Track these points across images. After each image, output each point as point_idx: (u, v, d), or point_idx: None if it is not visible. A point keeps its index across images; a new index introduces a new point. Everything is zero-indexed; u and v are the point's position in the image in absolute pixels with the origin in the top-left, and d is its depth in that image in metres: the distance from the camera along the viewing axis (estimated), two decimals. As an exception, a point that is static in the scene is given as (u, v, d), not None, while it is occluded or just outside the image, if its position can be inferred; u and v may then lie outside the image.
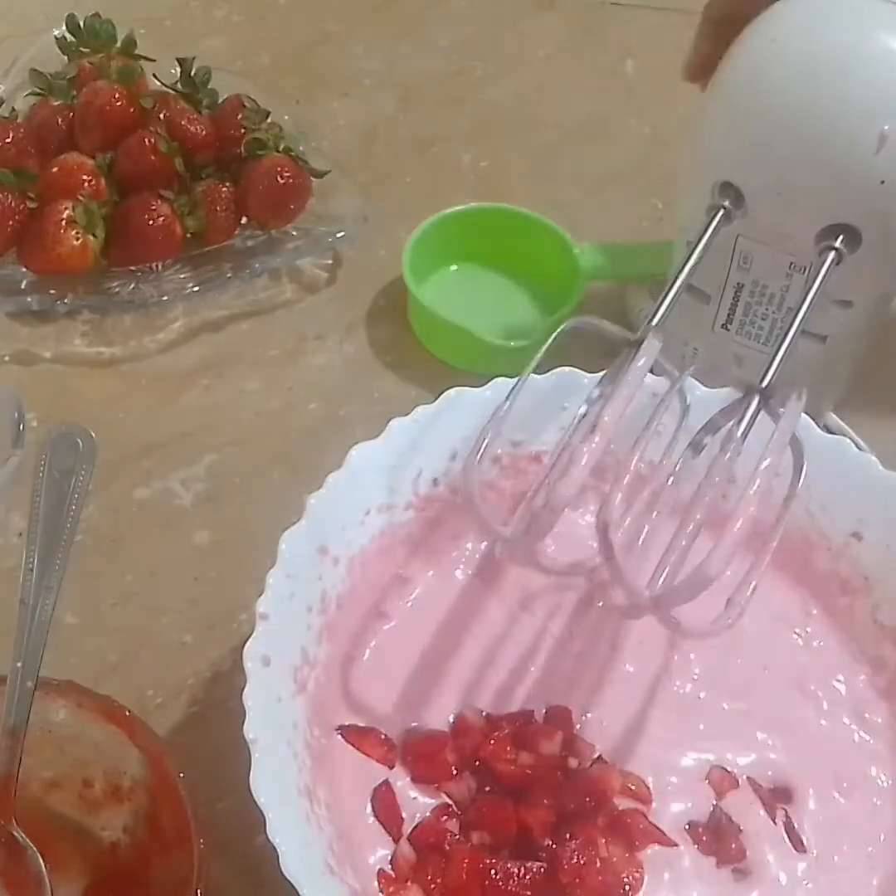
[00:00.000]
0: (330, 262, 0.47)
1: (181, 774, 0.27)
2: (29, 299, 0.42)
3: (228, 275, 0.44)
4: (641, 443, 0.27)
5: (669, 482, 0.29)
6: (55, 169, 0.44)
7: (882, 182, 0.31)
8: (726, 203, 0.32)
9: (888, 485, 0.32)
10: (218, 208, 0.44)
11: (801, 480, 0.28)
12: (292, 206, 0.45)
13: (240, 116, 0.46)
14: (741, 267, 0.35)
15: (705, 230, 0.32)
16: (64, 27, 0.48)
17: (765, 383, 0.28)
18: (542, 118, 0.55)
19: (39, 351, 0.44)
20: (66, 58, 0.48)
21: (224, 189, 0.45)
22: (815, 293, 0.30)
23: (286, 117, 0.48)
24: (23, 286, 0.43)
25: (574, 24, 0.60)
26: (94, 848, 0.29)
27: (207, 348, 0.44)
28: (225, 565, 0.37)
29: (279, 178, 0.44)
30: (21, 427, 0.35)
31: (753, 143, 0.32)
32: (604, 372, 0.30)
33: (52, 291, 0.42)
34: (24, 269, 0.43)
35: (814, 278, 0.30)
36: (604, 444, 0.25)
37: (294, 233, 0.46)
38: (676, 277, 0.30)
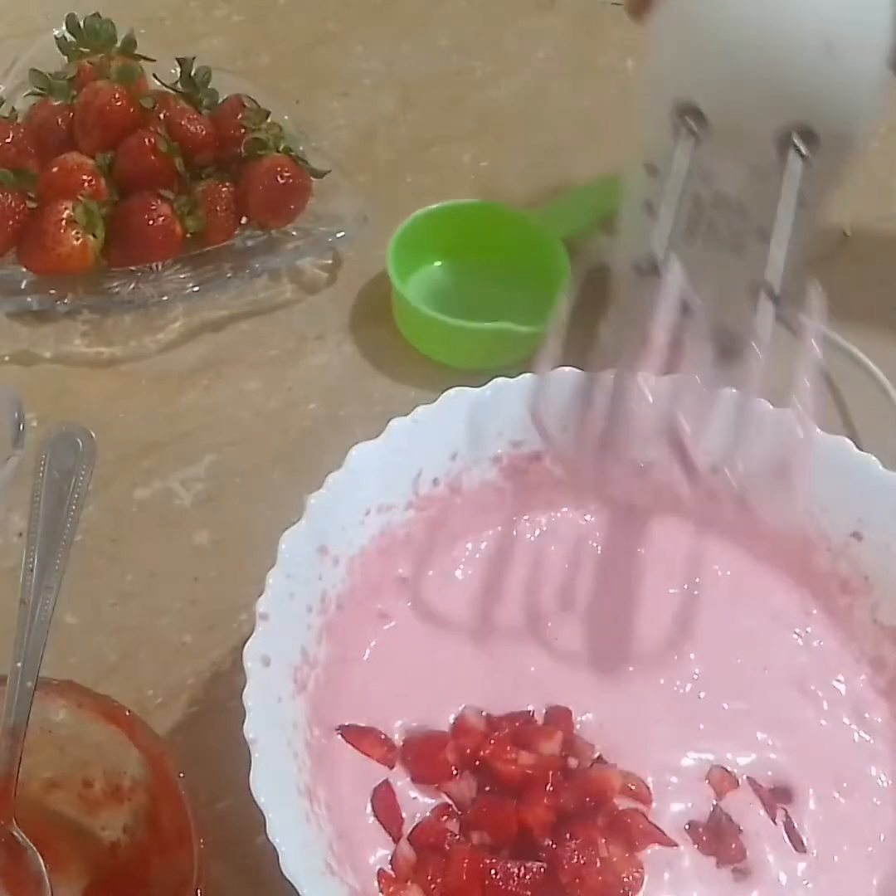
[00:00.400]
0: (330, 262, 0.47)
1: (181, 774, 0.27)
2: (29, 299, 0.42)
3: (228, 275, 0.44)
4: (679, 359, 0.28)
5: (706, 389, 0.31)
6: (55, 169, 0.44)
7: (832, 84, 0.32)
8: (689, 122, 0.33)
9: (888, 485, 0.32)
10: (218, 208, 0.44)
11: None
12: (292, 206, 0.45)
13: (240, 116, 0.46)
14: (701, 179, 0.36)
15: (676, 155, 0.33)
16: (64, 27, 0.48)
17: (775, 289, 0.29)
18: (542, 118, 0.55)
19: (39, 351, 0.44)
20: (66, 58, 0.48)
21: (224, 189, 0.45)
22: (791, 193, 0.32)
23: (286, 117, 0.48)
24: (23, 286, 0.42)
25: (574, 24, 0.60)
26: (94, 848, 0.29)
27: (207, 348, 0.44)
28: (225, 565, 0.37)
29: (279, 178, 0.44)
30: (21, 427, 0.35)
31: (707, 60, 0.33)
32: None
33: (52, 291, 0.42)
34: (24, 269, 0.43)
35: (785, 181, 0.32)
36: (659, 362, 0.27)
37: (294, 233, 0.46)
38: (664, 201, 0.32)
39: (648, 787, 0.30)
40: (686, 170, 0.33)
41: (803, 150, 0.33)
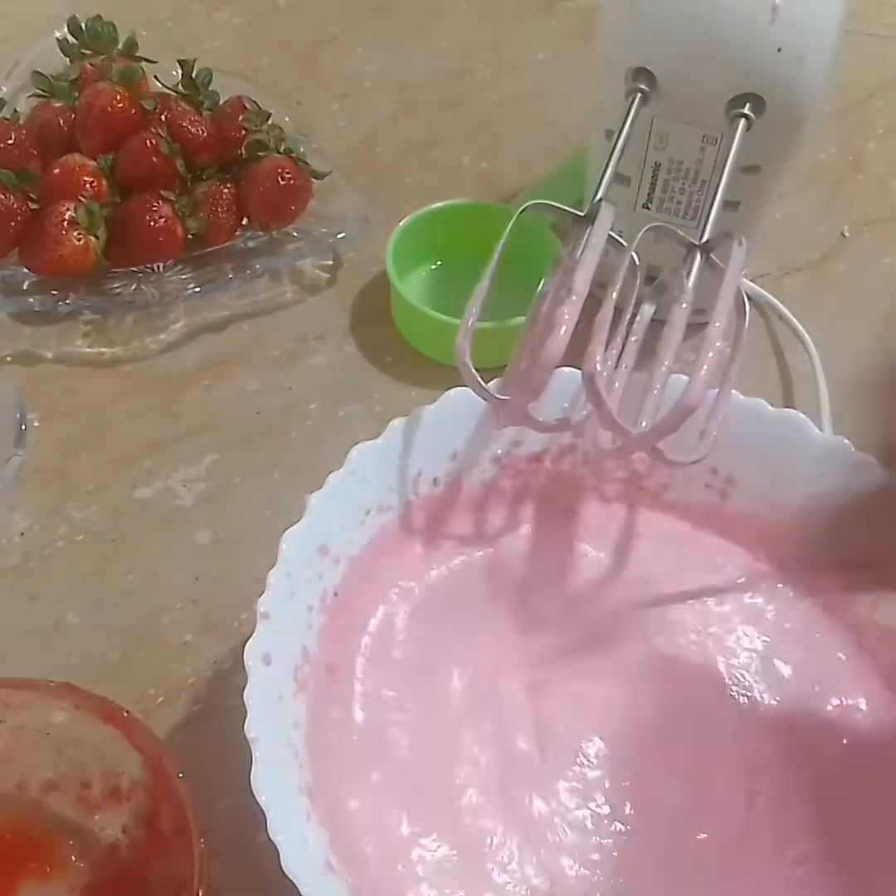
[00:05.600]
0: (330, 263, 0.48)
1: (180, 774, 0.27)
2: (31, 300, 0.43)
3: (229, 276, 0.44)
4: (607, 302, 0.29)
5: (633, 338, 0.32)
6: (57, 170, 0.44)
7: (779, 50, 0.33)
8: (642, 86, 0.35)
9: (887, 485, 0.32)
10: (219, 209, 0.45)
11: (747, 319, 0.31)
12: (293, 208, 0.45)
13: (241, 118, 0.46)
14: (658, 147, 0.37)
15: (627, 114, 0.34)
16: (66, 29, 0.48)
17: (704, 239, 0.31)
18: (542, 119, 0.55)
19: (41, 351, 0.44)
20: (67, 60, 0.48)
21: (225, 190, 0.45)
22: (735, 154, 0.33)
23: (287, 119, 0.48)
24: (24, 287, 0.43)
25: (574, 25, 0.60)
26: (93, 848, 0.28)
27: (208, 349, 0.45)
28: (226, 565, 0.37)
29: (280, 180, 0.44)
30: (23, 427, 0.36)
31: (658, 27, 0.34)
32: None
33: (53, 292, 0.42)
34: (25, 271, 0.43)
35: (730, 144, 0.33)
36: (580, 303, 0.28)
37: (295, 234, 0.46)
38: (610, 157, 0.33)
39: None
40: (629, 128, 0.34)
41: (750, 115, 0.34)
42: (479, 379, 0.29)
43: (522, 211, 0.32)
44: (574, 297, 0.28)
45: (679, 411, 0.26)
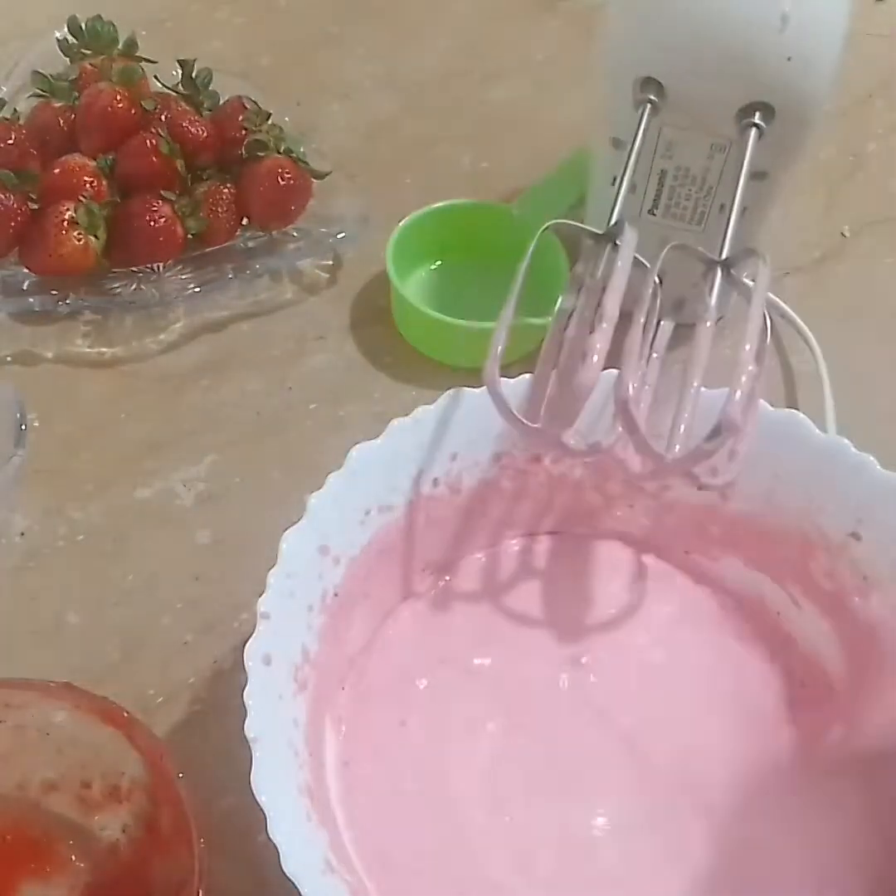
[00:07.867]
0: (330, 262, 0.48)
1: (181, 775, 0.27)
2: (31, 300, 0.43)
3: (229, 276, 0.44)
4: (635, 326, 0.28)
5: (655, 355, 0.32)
6: (57, 170, 0.44)
7: (789, 58, 0.33)
8: (651, 96, 0.34)
9: (887, 485, 0.32)
10: (219, 209, 0.45)
11: (769, 335, 0.31)
12: (293, 208, 0.45)
13: (241, 118, 0.46)
14: (665, 154, 0.37)
15: (639, 127, 0.34)
16: (66, 29, 0.48)
17: (724, 256, 0.30)
18: (542, 119, 0.55)
19: (41, 351, 0.44)
20: (67, 60, 0.48)
21: (225, 190, 0.45)
22: (748, 164, 0.33)
23: (287, 119, 0.48)
24: (24, 287, 0.43)
25: (574, 25, 0.60)
26: (93, 849, 0.28)
27: (208, 349, 0.45)
28: (226, 565, 0.38)
29: (280, 180, 0.44)
30: (23, 427, 0.36)
31: (666, 38, 0.34)
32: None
33: (53, 292, 0.43)
34: (25, 270, 0.43)
35: (742, 153, 0.33)
36: (612, 330, 0.27)
37: (295, 234, 0.46)
38: (623, 172, 0.33)
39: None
40: (641, 139, 0.34)
41: (761, 124, 0.33)
42: (512, 408, 0.29)
43: (545, 229, 0.31)
44: (605, 324, 0.27)
45: (716, 439, 0.25)
